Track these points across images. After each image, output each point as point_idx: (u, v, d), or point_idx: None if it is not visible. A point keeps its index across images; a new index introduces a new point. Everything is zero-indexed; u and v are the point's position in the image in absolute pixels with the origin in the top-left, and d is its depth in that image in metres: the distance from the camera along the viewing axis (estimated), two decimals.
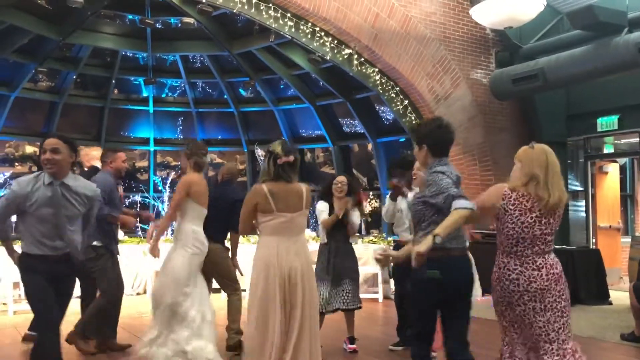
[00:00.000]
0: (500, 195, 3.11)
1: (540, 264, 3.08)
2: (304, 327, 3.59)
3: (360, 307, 5.31)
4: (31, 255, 3.52)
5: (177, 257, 4.55)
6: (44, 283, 3.49)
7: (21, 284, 4.00)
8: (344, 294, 5.18)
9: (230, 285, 5.41)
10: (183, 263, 4.51)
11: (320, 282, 5.00)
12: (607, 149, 10.85)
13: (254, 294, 3.64)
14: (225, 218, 5.20)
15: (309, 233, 8.92)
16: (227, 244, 5.52)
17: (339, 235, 5.30)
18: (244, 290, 5.44)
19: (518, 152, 3.22)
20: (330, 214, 5.26)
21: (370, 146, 11.29)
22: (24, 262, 3.57)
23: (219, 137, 12.43)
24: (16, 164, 11.08)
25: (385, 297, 8.34)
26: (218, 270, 5.32)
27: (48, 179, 3.50)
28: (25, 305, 6.74)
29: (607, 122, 9.61)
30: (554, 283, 3.08)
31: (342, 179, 5.35)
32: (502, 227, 3.09)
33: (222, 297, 6.33)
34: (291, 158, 3.69)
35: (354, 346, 5.28)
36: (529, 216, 3.06)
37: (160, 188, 11.68)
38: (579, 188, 10.46)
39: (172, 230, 5.04)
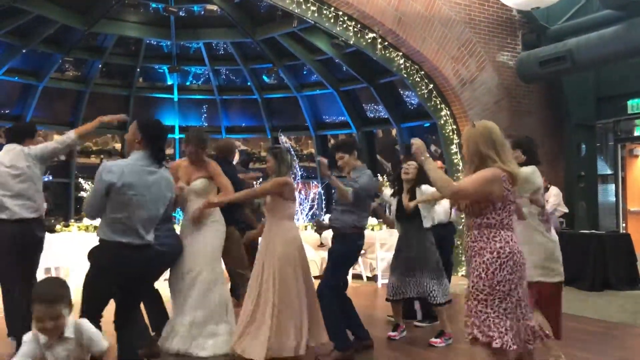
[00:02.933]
0: (500, 181, 2.99)
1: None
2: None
3: (439, 304, 4.99)
4: None
5: (210, 234, 4.65)
6: None
7: None
8: (422, 285, 4.97)
9: (241, 275, 5.26)
10: (218, 240, 4.68)
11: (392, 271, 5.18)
12: (638, 132, 10.62)
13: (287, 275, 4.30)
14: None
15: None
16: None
17: (404, 225, 5.16)
18: None
19: (463, 134, 3.23)
20: (401, 198, 5.11)
21: (394, 131, 11.22)
22: None
23: (243, 124, 12.47)
24: None
25: None
26: (230, 256, 5.19)
27: None
28: None
29: (638, 104, 9.42)
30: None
31: (411, 163, 5.07)
32: (503, 206, 3.02)
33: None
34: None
35: (437, 340, 4.98)
36: (512, 190, 3.06)
37: None
38: (609, 172, 10.30)
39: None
